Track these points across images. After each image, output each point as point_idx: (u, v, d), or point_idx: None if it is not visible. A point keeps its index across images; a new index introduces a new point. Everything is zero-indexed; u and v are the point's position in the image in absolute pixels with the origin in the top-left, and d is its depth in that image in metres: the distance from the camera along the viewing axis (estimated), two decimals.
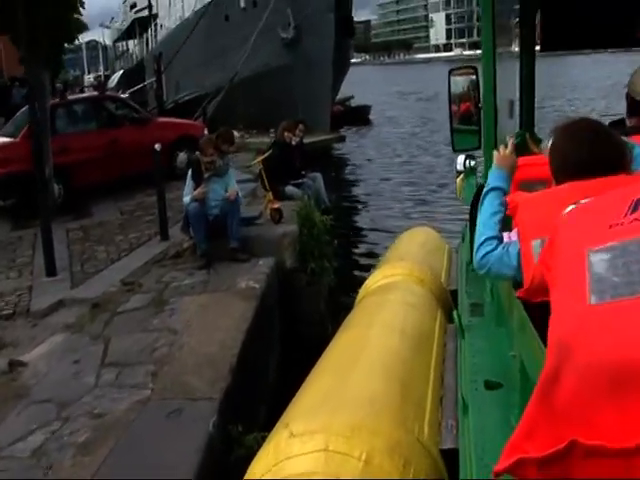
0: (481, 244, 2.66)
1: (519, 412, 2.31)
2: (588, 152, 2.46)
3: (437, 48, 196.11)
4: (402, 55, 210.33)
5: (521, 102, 5.11)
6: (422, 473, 3.04)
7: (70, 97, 15.07)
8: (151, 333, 6.40)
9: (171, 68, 33.52)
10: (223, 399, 5.12)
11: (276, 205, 9.26)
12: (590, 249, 1.45)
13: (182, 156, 14.28)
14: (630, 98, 3.72)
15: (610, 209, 1.54)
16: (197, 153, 8.68)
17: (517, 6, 4.96)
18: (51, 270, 8.41)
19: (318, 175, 11.82)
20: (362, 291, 5.96)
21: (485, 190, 2.90)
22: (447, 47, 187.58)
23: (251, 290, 7.26)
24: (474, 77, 4.16)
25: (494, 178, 2.92)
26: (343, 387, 3.71)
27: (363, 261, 11.37)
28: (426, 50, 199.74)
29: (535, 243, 2.30)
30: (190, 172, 8.58)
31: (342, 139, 26.58)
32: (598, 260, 1.42)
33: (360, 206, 17.19)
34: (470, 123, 4.23)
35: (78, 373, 5.75)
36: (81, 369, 5.81)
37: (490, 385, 2.95)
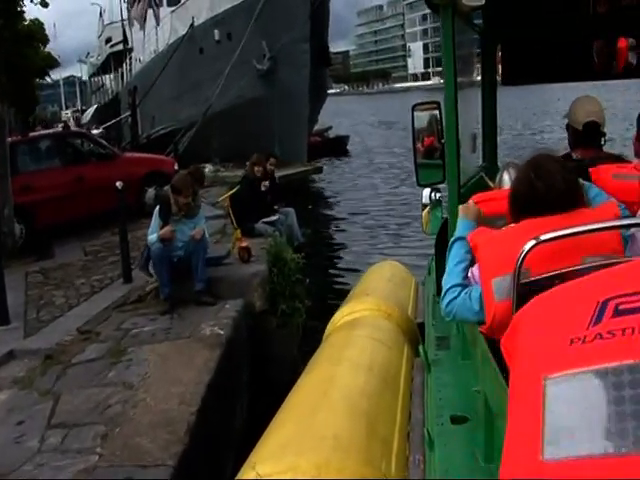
0: (446, 292, 2.77)
1: (484, 446, 2.49)
2: (544, 189, 2.54)
3: (415, 77, 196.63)
4: (381, 85, 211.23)
5: (484, 135, 5.26)
6: None
7: (32, 134, 14.52)
8: (105, 388, 5.89)
9: (146, 102, 33.35)
10: (178, 465, 4.62)
11: (244, 244, 8.79)
12: (546, 376, 1.29)
13: (151, 192, 13.84)
14: (572, 129, 3.96)
15: (572, 312, 1.38)
16: (166, 189, 8.17)
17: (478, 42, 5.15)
18: (3, 318, 7.90)
19: (291, 210, 11.39)
20: (329, 326, 5.89)
21: (452, 240, 2.99)
22: (425, 76, 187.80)
23: (216, 337, 6.78)
24: (437, 112, 4.21)
25: (460, 228, 3.02)
26: (309, 426, 3.65)
27: (338, 299, 10.83)
28: (404, 79, 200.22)
29: (495, 282, 2.40)
30: (157, 209, 8.08)
31: (319, 170, 26.28)
32: (554, 396, 1.25)
33: (336, 240, 16.86)
34: (434, 157, 4.24)
35: (21, 436, 5.23)
36: (25, 431, 5.30)
37: (456, 419, 2.95)
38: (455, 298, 2.71)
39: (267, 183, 10.81)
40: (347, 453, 3.29)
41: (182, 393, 5.58)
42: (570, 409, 1.22)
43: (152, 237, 7.95)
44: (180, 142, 26.01)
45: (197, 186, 8.53)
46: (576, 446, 1.17)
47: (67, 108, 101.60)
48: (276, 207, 11.16)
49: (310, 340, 7.95)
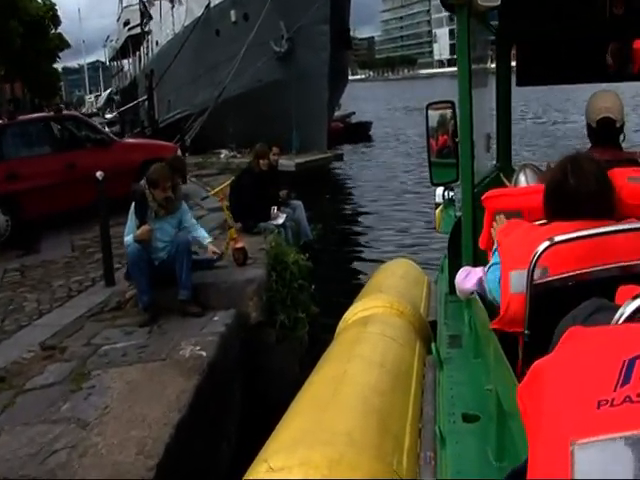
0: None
1: (496, 445, 2.57)
2: (576, 186, 2.56)
3: (441, 63, 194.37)
4: (406, 71, 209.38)
5: (498, 135, 5.27)
6: None
7: (21, 117, 13.41)
8: (54, 426, 4.80)
9: (162, 86, 32.53)
10: None
11: (240, 244, 7.64)
12: (574, 441, 1.15)
13: None
14: (587, 126, 3.85)
15: (598, 371, 1.24)
16: (142, 183, 7.05)
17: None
18: None
19: (299, 204, 10.27)
20: (341, 323, 5.70)
21: None
22: (451, 62, 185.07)
23: (195, 360, 5.69)
24: (451, 111, 4.24)
25: None
26: (321, 421, 3.59)
27: (350, 300, 9.70)
28: (430, 65, 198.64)
29: (513, 274, 2.49)
30: (133, 207, 6.99)
31: (339, 157, 25.28)
32: (583, 462, 1.12)
33: (351, 235, 15.86)
34: (448, 156, 4.26)
35: None
36: None
37: (467, 418, 2.94)
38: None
39: (269, 163, 9.73)
40: (360, 449, 3.25)
41: (142, 439, 4.49)
42: (600, 476, 1.10)
43: (128, 239, 6.88)
44: (191, 127, 25.03)
45: (178, 177, 7.39)
46: None
47: (91, 92, 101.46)
48: (281, 197, 9.98)
49: (317, 354, 6.85)
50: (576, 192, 2.55)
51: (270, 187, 9.55)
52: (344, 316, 5.74)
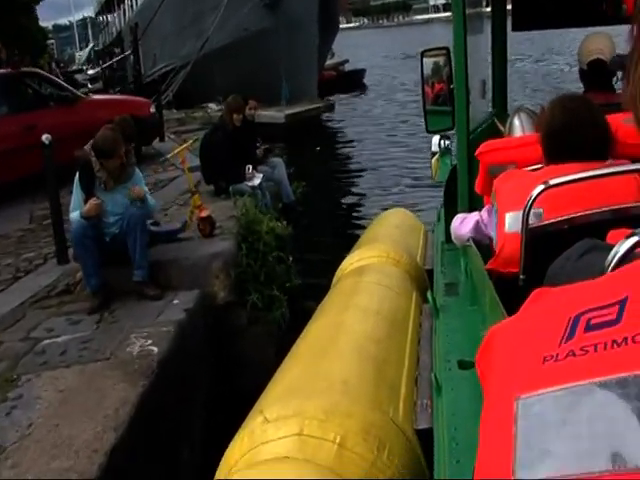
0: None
1: None
2: (592, 134, 2.55)
3: (436, 9, 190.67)
4: (401, 17, 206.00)
5: (494, 81, 5.23)
6: (397, 453, 3.00)
7: None
8: None
9: (147, 39, 31.36)
10: None
11: (205, 212, 6.64)
12: (519, 397, 1.05)
13: None
14: (580, 70, 4.02)
15: (545, 329, 1.13)
16: (87, 148, 6.05)
17: None
18: None
19: (279, 161, 9.24)
20: (338, 273, 5.71)
21: None
22: (447, 7, 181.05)
23: (144, 358, 4.77)
24: (446, 57, 4.19)
25: None
26: (317, 371, 3.60)
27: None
28: (425, 11, 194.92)
29: (508, 215, 2.55)
30: (77, 177, 6.01)
31: (331, 107, 24.25)
32: (526, 415, 1.02)
33: (343, 188, 14.93)
34: (443, 104, 4.24)
35: None
36: None
37: (463, 365, 2.90)
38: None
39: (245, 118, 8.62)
40: (355, 397, 3.27)
41: (64, 473, 3.59)
42: (542, 429, 0.99)
43: (74, 215, 5.92)
44: (174, 81, 23.97)
45: (129, 144, 6.38)
46: (548, 467, 0.94)
47: (81, 49, 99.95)
48: (258, 154, 8.97)
49: (296, 335, 5.93)
50: (569, 133, 2.56)
51: (245, 145, 8.49)
52: (340, 266, 5.74)
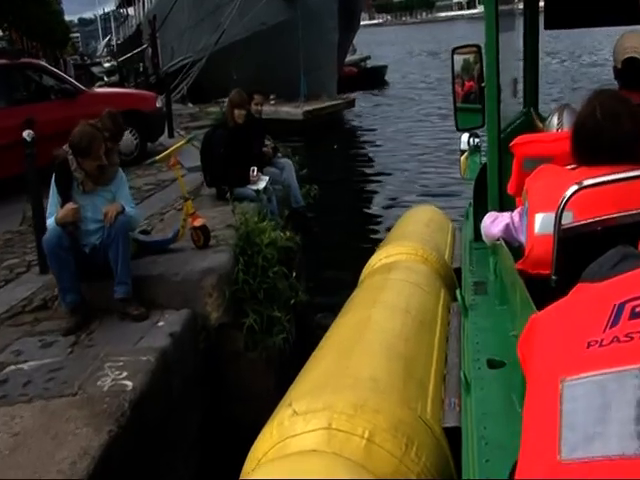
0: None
1: (521, 391, 2.12)
2: (612, 129, 2.49)
3: (460, 5, 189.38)
4: (424, 14, 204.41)
5: (525, 80, 5.17)
6: (424, 451, 2.97)
7: None
8: None
9: (165, 32, 31.00)
10: None
11: (199, 222, 5.90)
12: (563, 379, 1.25)
13: (127, 137, 11.07)
14: (614, 68, 3.72)
15: (589, 316, 1.34)
16: (65, 149, 5.38)
17: None
18: None
19: (287, 162, 8.48)
20: (365, 270, 5.62)
21: None
22: (471, 4, 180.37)
23: (115, 397, 4.07)
24: (477, 55, 4.13)
25: None
26: (346, 366, 3.56)
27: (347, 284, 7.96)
28: (449, 8, 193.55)
29: (538, 216, 2.53)
30: (54, 180, 5.35)
31: (351, 104, 23.67)
32: (571, 397, 1.22)
33: (357, 194, 14.22)
34: (474, 102, 4.16)
35: None
36: None
37: (492, 364, 2.88)
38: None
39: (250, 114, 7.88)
40: (384, 394, 3.23)
41: None
42: (587, 411, 1.19)
43: (50, 221, 5.25)
44: (188, 75, 23.39)
45: (111, 143, 5.69)
46: (593, 447, 1.14)
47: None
48: (266, 154, 8.26)
49: (299, 360, 5.20)
50: (602, 135, 2.49)
51: (250, 144, 7.74)
52: (368, 262, 5.67)
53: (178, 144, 6.37)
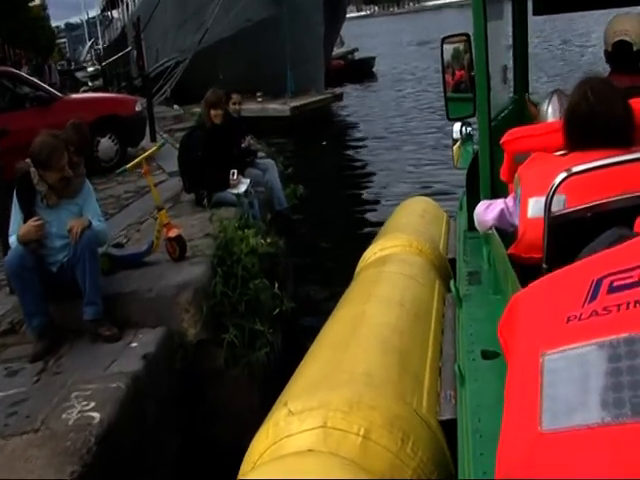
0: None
1: None
2: (605, 114, 2.51)
3: None
4: (412, 4, 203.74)
5: (515, 67, 5.17)
6: (421, 445, 2.97)
7: None
8: None
9: (149, 33, 30.40)
10: None
11: (173, 232, 5.56)
12: (544, 352, 1.31)
13: (106, 143, 10.77)
14: (606, 53, 3.77)
15: (569, 292, 1.41)
16: (28, 161, 5.03)
17: None
18: None
19: (270, 163, 8.13)
20: (360, 263, 5.60)
21: None
22: None
23: (81, 431, 3.75)
24: (467, 44, 4.10)
25: None
26: (340, 363, 3.56)
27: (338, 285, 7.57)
28: None
29: (531, 200, 2.56)
30: (15, 195, 5.02)
31: (339, 98, 23.34)
32: (552, 370, 1.27)
33: (347, 191, 13.78)
34: (464, 91, 4.15)
35: None
36: None
37: (487, 355, 2.85)
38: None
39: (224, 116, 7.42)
40: (379, 389, 3.23)
41: None
42: (567, 382, 1.23)
43: (12, 239, 4.91)
44: (172, 76, 23.01)
45: (76, 156, 5.32)
46: (574, 417, 1.18)
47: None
48: (249, 159, 7.92)
49: (289, 371, 4.86)
50: (595, 119, 2.50)
51: (228, 145, 7.38)
52: (362, 256, 5.63)
53: (149, 151, 6.03)
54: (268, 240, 5.92)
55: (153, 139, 13.02)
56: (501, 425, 1.36)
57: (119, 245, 5.84)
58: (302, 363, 3.84)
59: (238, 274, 5.27)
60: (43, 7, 77.57)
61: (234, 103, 7.97)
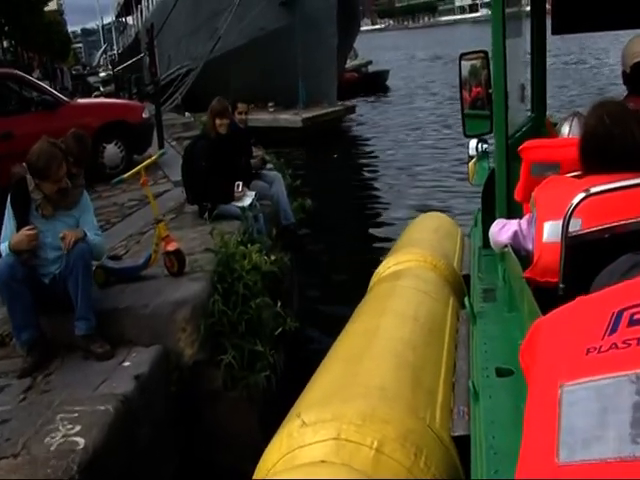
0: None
1: None
2: (622, 137, 2.49)
3: (462, 9, 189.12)
4: (427, 18, 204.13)
5: (533, 86, 5.11)
6: (433, 460, 2.93)
7: None
8: None
9: (162, 40, 30.33)
10: None
11: (172, 246, 5.32)
12: (563, 384, 1.28)
13: (112, 150, 10.57)
14: (623, 73, 3.80)
15: (589, 323, 1.37)
16: (24, 166, 4.82)
17: None
18: None
19: (276, 176, 7.88)
20: (374, 278, 5.47)
21: None
22: (473, 8, 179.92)
23: (63, 457, 3.51)
24: (485, 61, 4.11)
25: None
26: (354, 376, 3.51)
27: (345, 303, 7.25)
28: (451, 12, 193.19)
29: (547, 224, 2.54)
30: (9, 201, 4.80)
31: (351, 110, 23.16)
32: (570, 402, 1.25)
33: (357, 206, 13.43)
34: (481, 107, 4.13)
35: None
36: None
37: (501, 372, 2.85)
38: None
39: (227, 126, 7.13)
40: (393, 403, 3.20)
41: None
42: (586, 415, 1.21)
43: (3, 247, 4.68)
44: (183, 83, 22.87)
45: (76, 168, 5.08)
46: (591, 450, 1.16)
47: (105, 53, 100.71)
48: (255, 171, 7.70)
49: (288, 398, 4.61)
50: (612, 142, 2.48)
51: (233, 155, 7.14)
52: (377, 270, 5.56)
53: (148, 160, 5.80)
54: (272, 257, 5.66)
55: (161, 146, 12.83)
56: (519, 454, 1.34)
57: (116, 257, 5.62)
58: (315, 374, 3.82)
59: (239, 292, 5.03)
60: (60, 12, 77.76)
61: (240, 113, 7.73)
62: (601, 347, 1.27)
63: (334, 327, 4.63)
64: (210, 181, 6.73)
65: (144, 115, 11.48)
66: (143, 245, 6.41)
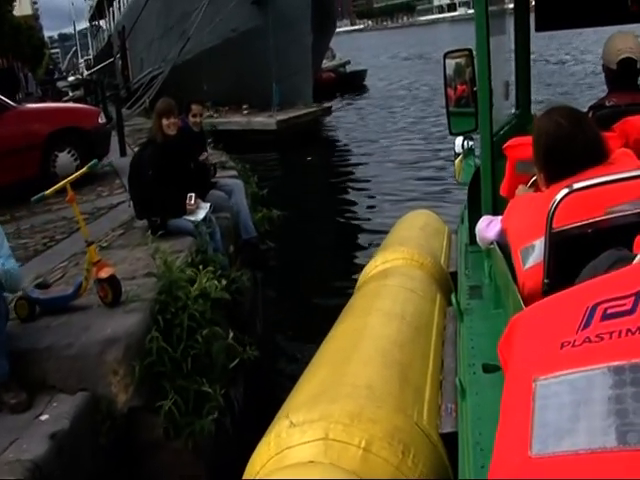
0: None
1: None
2: (596, 134, 2.54)
3: (441, 9, 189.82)
4: (405, 18, 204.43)
5: (517, 83, 5.15)
6: (422, 458, 2.99)
7: None
8: None
9: (134, 43, 29.89)
10: None
11: (104, 272, 4.57)
12: (536, 378, 1.30)
13: (65, 158, 9.84)
14: (606, 69, 3.80)
15: (564, 318, 1.40)
16: None
17: None
18: None
19: (236, 184, 7.12)
20: (361, 277, 5.54)
21: None
22: (451, 7, 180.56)
23: None
24: (469, 59, 4.15)
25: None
26: (341, 375, 3.58)
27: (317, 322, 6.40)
28: (430, 12, 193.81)
29: (522, 251, 2.47)
30: None
31: (327, 112, 22.57)
32: (543, 396, 1.26)
33: (332, 213, 12.83)
34: (466, 105, 4.17)
35: None
36: None
37: (488, 368, 2.86)
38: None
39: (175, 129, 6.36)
40: (380, 402, 3.24)
41: None
42: (558, 408, 1.23)
43: None
44: (151, 87, 22.22)
45: None
46: (563, 442, 1.18)
47: (81, 57, 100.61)
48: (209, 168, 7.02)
49: (245, 439, 3.97)
50: (574, 142, 2.47)
51: (184, 162, 6.38)
52: (364, 269, 5.59)
53: (74, 175, 5.08)
54: (230, 278, 4.97)
55: (123, 153, 12.10)
56: (493, 447, 1.34)
57: (43, 285, 4.88)
58: (303, 375, 3.82)
59: (183, 324, 4.33)
60: (35, 17, 76.84)
61: (194, 115, 7.05)
62: (575, 341, 1.29)
63: (304, 350, 4.70)
64: (158, 192, 5.97)
65: (100, 120, 10.72)
66: (82, 268, 5.68)
